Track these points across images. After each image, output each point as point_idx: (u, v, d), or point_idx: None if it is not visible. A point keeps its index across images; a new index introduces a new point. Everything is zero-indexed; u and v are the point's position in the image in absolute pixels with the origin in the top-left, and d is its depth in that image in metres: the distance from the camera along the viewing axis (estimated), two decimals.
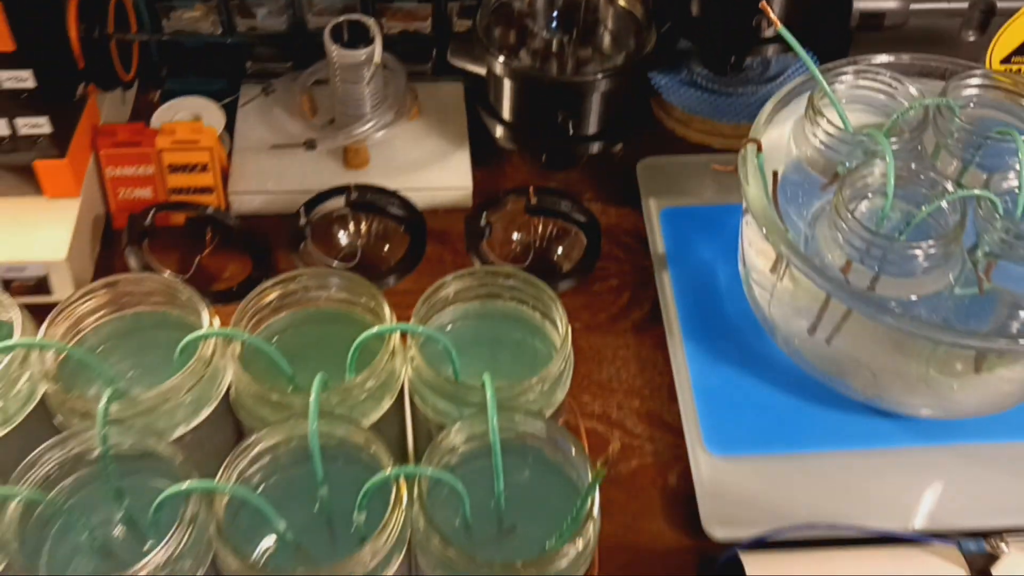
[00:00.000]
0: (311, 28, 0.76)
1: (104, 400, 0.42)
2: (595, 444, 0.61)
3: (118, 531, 0.44)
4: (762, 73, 0.77)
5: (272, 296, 0.49)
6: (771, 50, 0.73)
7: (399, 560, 0.42)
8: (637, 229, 0.72)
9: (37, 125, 0.62)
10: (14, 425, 0.46)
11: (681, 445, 0.60)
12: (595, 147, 0.72)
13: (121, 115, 0.75)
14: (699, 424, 0.60)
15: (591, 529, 0.42)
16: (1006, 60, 0.80)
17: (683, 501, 0.58)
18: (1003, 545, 0.48)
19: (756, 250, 0.60)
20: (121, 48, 0.71)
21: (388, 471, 0.41)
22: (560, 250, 0.70)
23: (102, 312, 0.49)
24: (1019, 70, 0.82)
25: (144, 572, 0.39)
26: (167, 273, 0.66)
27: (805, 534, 0.53)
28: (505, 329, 0.52)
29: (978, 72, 0.61)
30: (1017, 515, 0.55)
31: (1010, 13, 0.77)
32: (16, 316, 0.47)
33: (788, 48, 0.58)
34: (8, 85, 0.60)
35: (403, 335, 0.48)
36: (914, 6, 0.76)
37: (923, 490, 0.57)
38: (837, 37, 0.77)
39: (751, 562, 0.50)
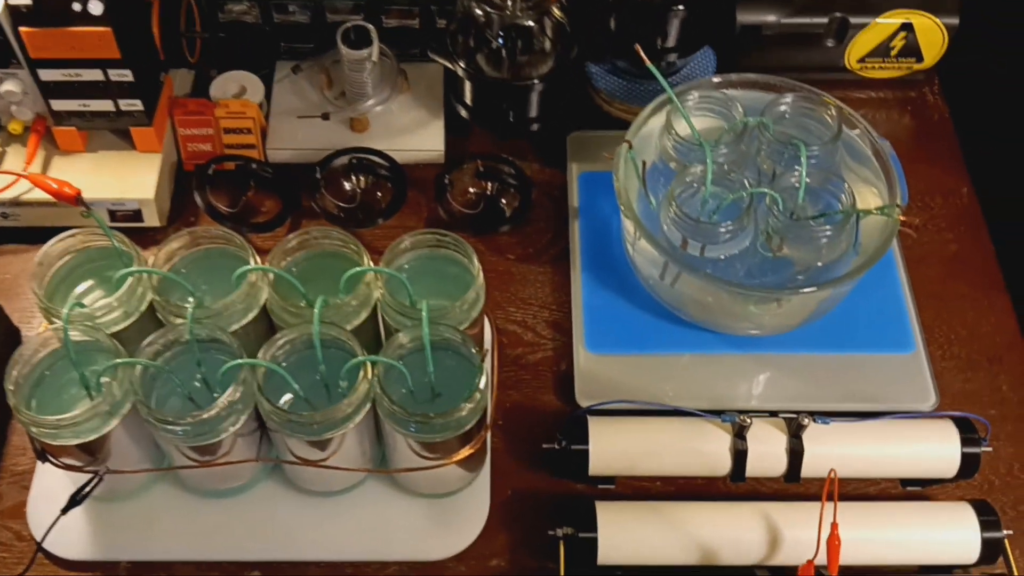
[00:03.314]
0: (329, 21, 1.00)
1: (191, 308, 0.70)
2: (513, 341, 0.89)
3: (198, 386, 0.73)
4: (668, 68, 1.01)
5: (294, 242, 0.76)
6: (671, 56, 0.97)
7: (365, 411, 0.71)
8: (564, 185, 0.98)
9: (133, 104, 0.89)
10: (134, 319, 0.74)
11: (571, 344, 0.88)
12: (535, 126, 0.97)
13: (187, 85, 1.00)
14: (584, 330, 0.88)
15: (478, 396, 0.69)
16: (861, 60, 1.04)
17: (567, 382, 0.86)
18: (748, 419, 0.76)
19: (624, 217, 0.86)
20: (188, 40, 0.96)
21: (359, 357, 0.69)
22: (504, 201, 0.96)
23: (185, 247, 0.77)
24: (873, 66, 1.05)
25: (215, 410, 0.67)
26: (222, 207, 0.94)
27: (632, 406, 0.81)
28: (446, 266, 0.79)
29: (790, 94, 0.85)
30: (779, 402, 0.83)
31: (861, 26, 1.01)
32: (134, 250, 0.75)
33: (686, 54, 0.86)
34: (115, 79, 0.86)
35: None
36: (784, 20, 1.00)
37: (725, 383, 0.85)
38: (726, 42, 1.01)
39: (593, 420, 0.78)
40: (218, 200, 0.95)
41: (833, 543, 0.68)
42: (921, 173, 0.99)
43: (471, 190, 0.97)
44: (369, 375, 0.70)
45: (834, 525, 0.68)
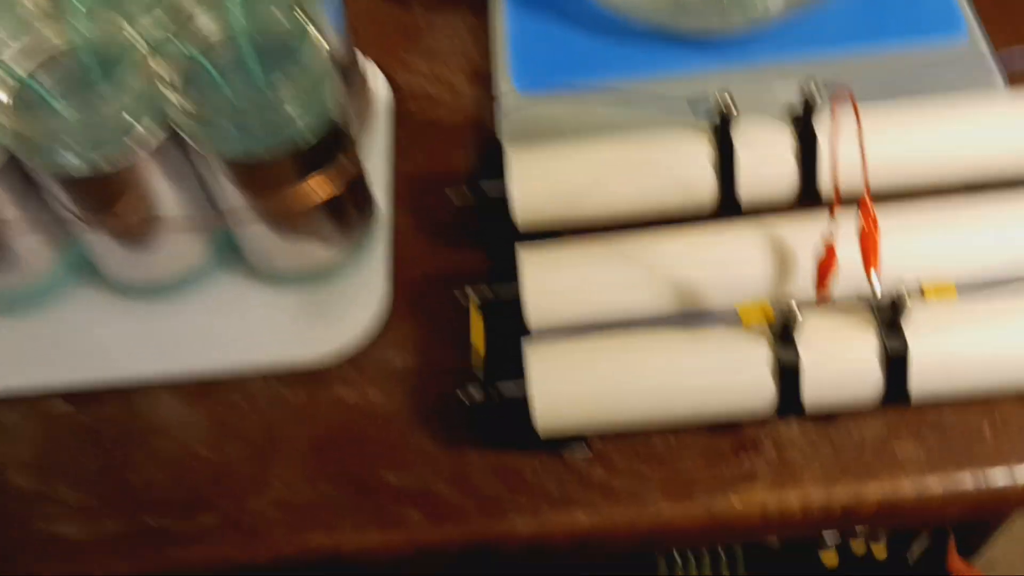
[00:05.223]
0: None
1: None
2: (421, 99, 0.67)
3: None
4: None
5: None
6: None
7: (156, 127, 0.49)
8: None
9: None
10: None
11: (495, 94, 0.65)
12: None
13: None
14: (510, 66, 0.64)
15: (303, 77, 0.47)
16: None
17: (493, 140, 0.63)
18: (729, 96, 0.52)
19: None
20: None
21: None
22: None
23: None
24: None
25: None
26: None
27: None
28: None
29: None
30: None
31: None
32: None
33: None
34: None
35: None
36: None
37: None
38: None
39: (516, 152, 0.55)
40: None
41: (869, 231, 0.44)
42: None
43: None
44: (148, 67, 0.48)
45: (863, 202, 0.44)
